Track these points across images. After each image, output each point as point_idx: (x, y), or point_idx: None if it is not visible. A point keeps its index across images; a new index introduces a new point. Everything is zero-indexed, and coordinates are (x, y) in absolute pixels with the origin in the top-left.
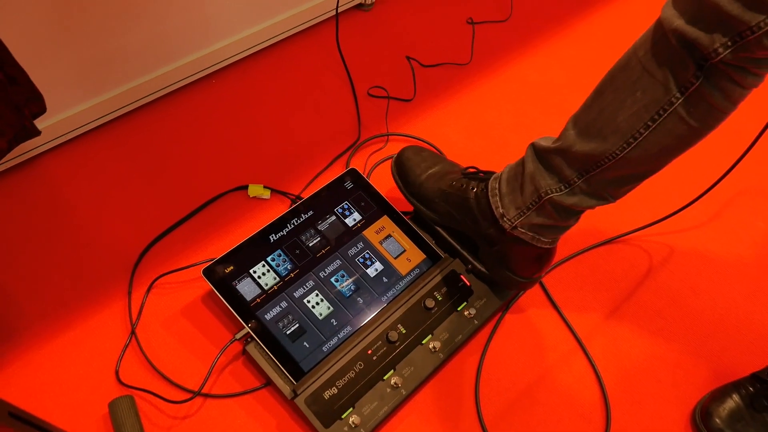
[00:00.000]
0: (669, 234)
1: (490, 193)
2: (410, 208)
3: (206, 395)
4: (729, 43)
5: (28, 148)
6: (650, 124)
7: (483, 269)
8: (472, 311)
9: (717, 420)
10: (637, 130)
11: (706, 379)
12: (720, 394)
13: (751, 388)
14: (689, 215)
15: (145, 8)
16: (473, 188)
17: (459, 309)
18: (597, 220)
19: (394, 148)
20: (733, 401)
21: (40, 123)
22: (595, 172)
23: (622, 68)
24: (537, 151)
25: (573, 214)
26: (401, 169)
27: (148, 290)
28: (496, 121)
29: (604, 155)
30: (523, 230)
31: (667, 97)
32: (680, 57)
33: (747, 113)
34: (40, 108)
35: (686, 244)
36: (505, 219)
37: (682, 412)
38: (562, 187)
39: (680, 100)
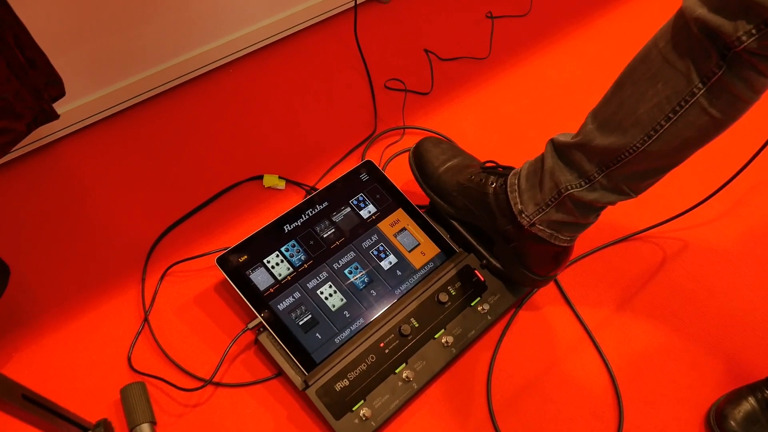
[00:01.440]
0: (685, 231)
1: (509, 189)
2: (425, 202)
3: (217, 384)
4: (753, 31)
5: (46, 133)
6: (671, 115)
7: (498, 265)
8: (486, 307)
9: (732, 423)
10: (658, 122)
11: (722, 381)
12: (735, 397)
13: (767, 391)
14: (705, 212)
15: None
16: (492, 183)
17: (472, 304)
18: (613, 217)
19: (410, 141)
20: (748, 404)
21: (58, 107)
22: (615, 166)
23: (642, 60)
24: (556, 146)
25: (593, 210)
26: (419, 160)
27: (162, 278)
28: (513, 116)
29: (625, 149)
30: (541, 227)
31: (689, 87)
32: (702, 46)
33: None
34: (59, 91)
35: (702, 243)
36: (523, 215)
37: (696, 414)
38: (583, 182)
39: (702, 91)
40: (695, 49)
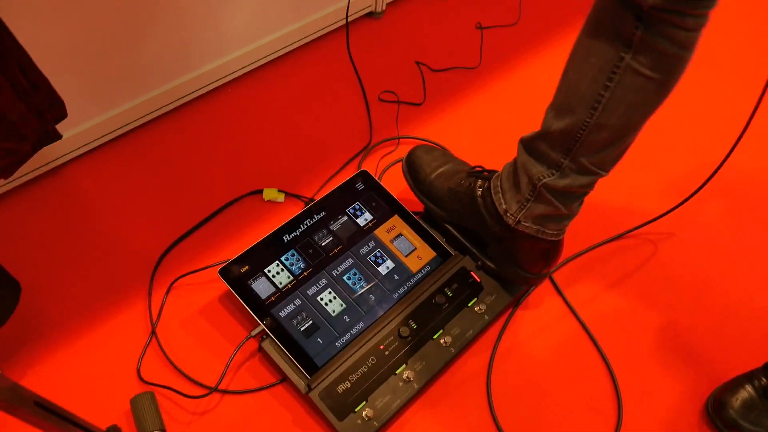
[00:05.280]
0: (678, 226)
1: (493, 191)
2: (421, 208)
3: (224, 391)
4: None
5: (54, 156)
6: (609, 84)
7: (492, 266)
8: (483, 307)
9: (730, 410)
10: (598, 93)
11: (719, 371)
12: (733, 385)
13: (764, 379)
14: (696, 206)
15: (163, 22)
16: (480, 187)
17: (469, 305)
18: (606, 216)
19: (405, 150)
20: (746, 392)
21: (65, 131)
22: (576, 147)
23: (576, 43)
24: (524, 142)
25: (572, 198)
26: (411, 167)
27: (168, 291)
28: (505, 123)
29: (578, 127)
30: (527, 224)
31: (617, 54)
32: (619, 13)
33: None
34: (61, 113)
35: (696, 237)
36: (508, 215)
37: (694, 404)
38: (553, 171)
39: (629, 54)
40: (614, 18)
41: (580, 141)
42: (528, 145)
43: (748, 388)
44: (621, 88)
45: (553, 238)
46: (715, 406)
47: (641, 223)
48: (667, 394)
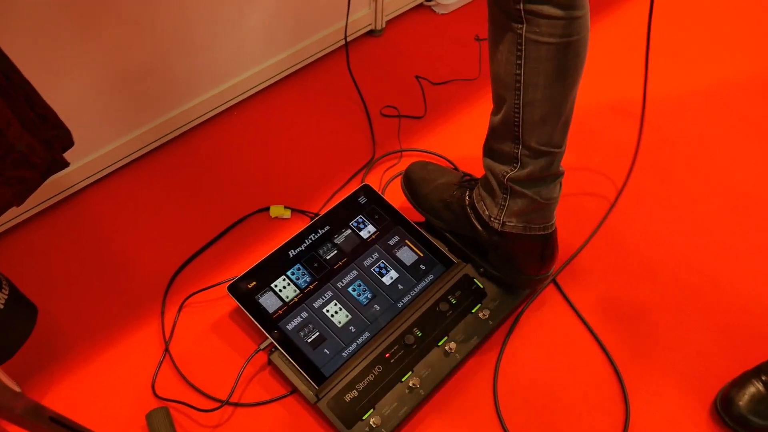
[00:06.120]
0: (685, 225)
1: (476, 200)
2: (423, 219)
3: (235, 404)
4: None
5: (69, 184)
6: (519, 62)
7: (494, 272)
8: (487, 312)
9: (739, 405)
10: (514, 73)
11: (727, 369)
12: (740, 381)
13: None
14: (704, 204)
15: (170, 52)
16: (468, 196)
17: (473, 311)
18: (586, 207)
19: (407, 163)
20: (754, 387)
21: (78, 159)
22: (519, 132)
23: (488, 38)
24: (483, 148)
25: (541, 184)
26: (409, 184)
27: (180, 309)
28: None
29: (511, 112)
30: (512, 223)
31: (513, 31)
32: None
33: None
34: (68, 142)
35: (704, 236)
36: (492, 219)
37: (702, 403)
38: (513, 164)
39: (523, 27)
40: (498, 1)
41: (520, 125)
42: (485, 148)
43: (756, 383)
44: (530, 61)
45: (542, 232)
46: (723, 403)
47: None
48: (674, 392)
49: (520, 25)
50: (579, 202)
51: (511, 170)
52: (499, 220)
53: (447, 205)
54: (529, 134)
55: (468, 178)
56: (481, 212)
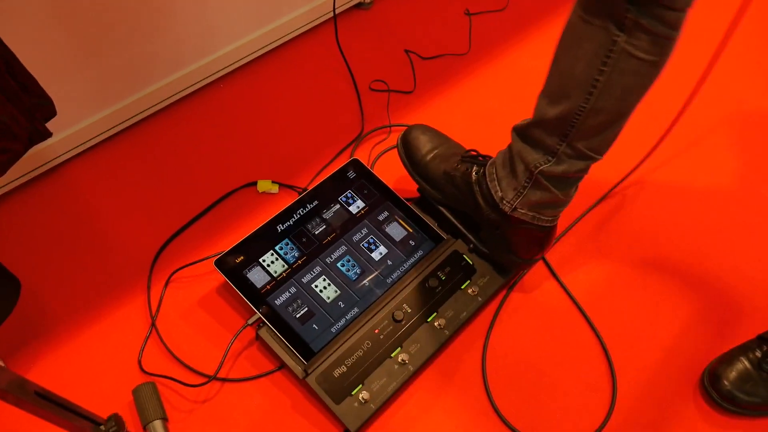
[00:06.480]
0: (673, 201)
1: (488, 178)
2: (412, 194)
3: (223, 379)
4: None
5: (51, 156)
6: (603, 68)
7: (485, 250)
8: (476, 289)
9: (725, 382)
10: (593, 77)
11: (713, 345)
12: (728, 358)
13: (758, 351)
14: (699, 179)
15: (154, 20)
16: (475, 172)
17: (463, 287)
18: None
19: (396, 139)
20: (741, 364)
21: (60, 131)
22: (571, 132)
23: (566, 30)
24: (518, 130)
25: (568, 184)
26: (407, 148)
27: (166, 284)
28: (496, 108)
29: (574, 112)
30: (523, 211)
31: (610, 37)
32: None
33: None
34: (50, 112)
35: (689, 212)
36: (504, 202)
37: (689, 378)
38: (549, 158)
39: (622, 37)
40: (605, 1)
41: (576, 126)
42: (522, 132)
43: (743, 360)
44: (616, 71)
45: (548, 225)
46: (711, 379)
47: (616, 183)
48: (661, 368)
49: (619, 34)
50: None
51: (546, 163)
52: (512, 204)
53: (450, 178)
54: (581, 137)
55: (474, 153)
56: (492, 191)
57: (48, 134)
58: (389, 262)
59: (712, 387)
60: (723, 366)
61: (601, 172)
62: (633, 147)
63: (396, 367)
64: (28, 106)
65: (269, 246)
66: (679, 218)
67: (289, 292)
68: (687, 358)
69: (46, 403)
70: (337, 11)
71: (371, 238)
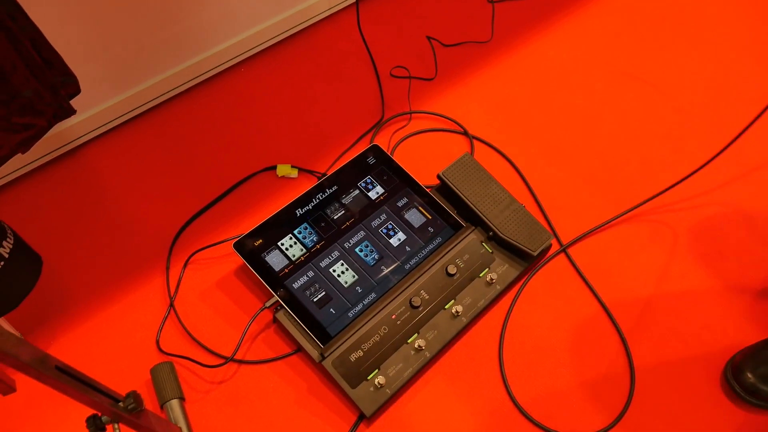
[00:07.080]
0: (692, 199)
1: None
2: (433, 182)
3: (240, 361)
4: None
5: (72, 137)
6: None
7: (504, 236)
8: (494, 276)
9: (749, 374)
10: None
11: (734, 340)
12: (751, 351)
13: None
14: (708, 176)
15: (177, 4)
16: None
17: (481, 275)
18: (619, 190)
19: (416, 125)
20: (764, 356)
21: (82, 112)
22: None
23: None
24: None
25: None
26: None
27: (185, 266)
28: (517, 97)
29: None
30: None
31: None
32: None
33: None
34: (75, 89)
35: (710, 209)
36: None
37: (710, 373)
38: None
39: None
40: None
41: None
42: None
43: (766, 353)
44: None
45: None
46: (734, 372)
47: (654, 194)
48: (682, 363)
49: None
50: (604, 175)
51: None
52: None
53: None
54: None
55: None
56: None
57: (72, 111)
58: (408, 249)
59: (735, 380)
60: (746, 359)
61: (644, 181)
62: (668, 166)
63: (412, 353)
64: (52, 82)
65: (288, 230)
66: (710, 229)
67: (307, 276)
68: (709, 353)
69: (66, 377)
70: None
71: (390, 224)
